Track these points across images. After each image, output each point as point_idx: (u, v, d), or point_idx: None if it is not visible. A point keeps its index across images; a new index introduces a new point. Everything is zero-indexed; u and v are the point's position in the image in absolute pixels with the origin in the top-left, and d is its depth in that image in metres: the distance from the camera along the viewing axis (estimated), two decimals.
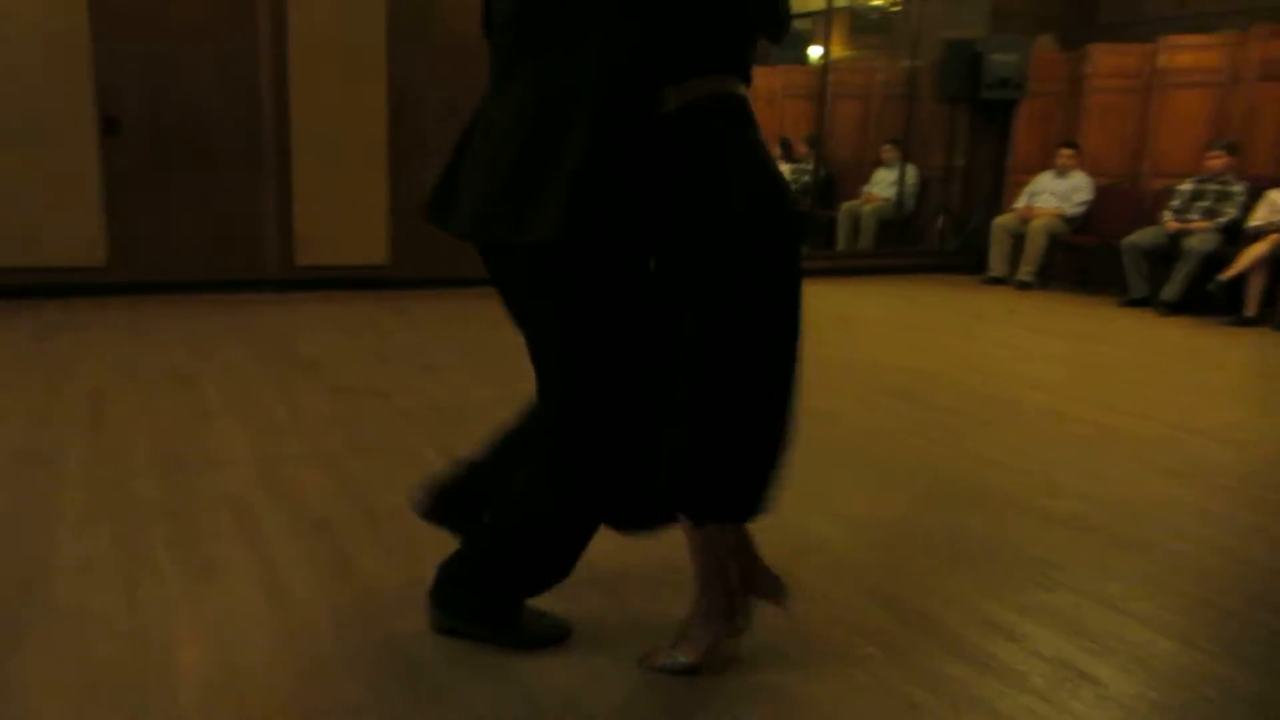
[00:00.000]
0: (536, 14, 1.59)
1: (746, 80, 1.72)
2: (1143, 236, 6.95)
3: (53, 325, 4.47)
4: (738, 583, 1.84)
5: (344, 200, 5.71)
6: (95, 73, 4.99)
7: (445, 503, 2.06)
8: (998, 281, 7.85)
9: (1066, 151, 7.71)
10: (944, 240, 8.68)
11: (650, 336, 1.69)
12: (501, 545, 1.88)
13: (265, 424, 3.19)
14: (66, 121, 4.98)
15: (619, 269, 1.66)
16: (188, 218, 5.35)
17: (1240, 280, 6.32)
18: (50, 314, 4.70)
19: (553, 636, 1.90)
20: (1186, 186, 6.96)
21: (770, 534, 2.50)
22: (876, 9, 9.01)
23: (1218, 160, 6.80)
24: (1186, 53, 7.36)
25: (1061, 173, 7.73)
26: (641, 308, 1.69)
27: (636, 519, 1.89)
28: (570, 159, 1.54)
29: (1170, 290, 6.67)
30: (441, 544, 2.34)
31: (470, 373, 4.07)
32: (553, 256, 1.59)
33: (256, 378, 3.78)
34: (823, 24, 8.17)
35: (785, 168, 9.39)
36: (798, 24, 10.81)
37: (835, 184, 9.19)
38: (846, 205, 8.78)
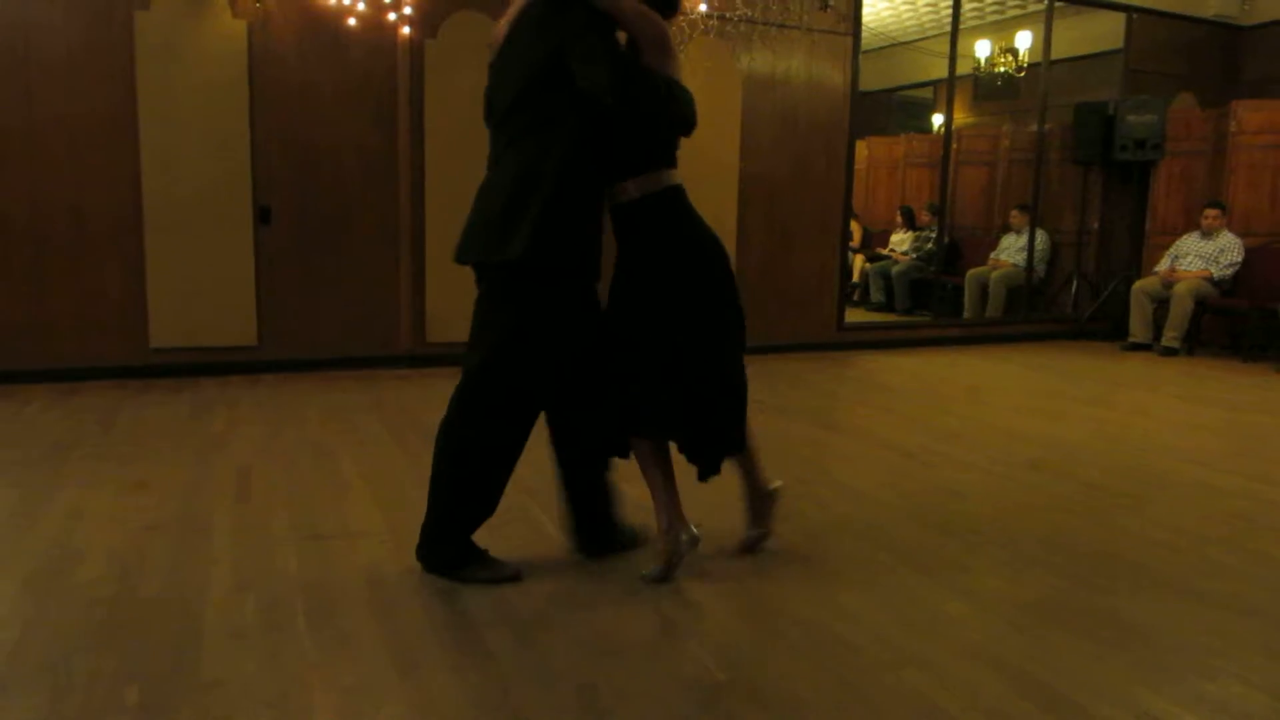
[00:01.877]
0: (520, 116, 2.42)
1: (673, 164, 2.57)
2: None
3: (208, 401, 4.79)
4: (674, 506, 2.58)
5: (472, 281, 5.95)
6: (253, 168, 5.42)
7: (587, 534, 2.73)
8: (1139, 348, 7.46)
9: (1212, 212, 7.33)
10: (1079, 306, 8.34)
11: (579, 336, 2.52)
12: (440, 489, 2.54)
13: (397, 496, 3.30)
14: (226, 212, 5.40)
15: (558, 287, 2.46)
16: (329, 299, 5.68)
17: None
18: (207, 391, 5.05)
19: (511, 574, 2.55)
20: None
21: (901, 611, 2.42)
22: (1001, 75, 8.89)
23: None
24: None
25: (1207, 234, 7.35)
26: (573, 317, 2.51)
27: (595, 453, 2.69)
28: (534, 209, 2.36)
29: None
30: (565, 616, 2.36)
31: None
32: (515, 272, 2.41)
33: (390, 451, 3.93)
34: (944, 92, 8.10)
35: (906, 235, 9.28)
36: (920, 93, 10.80)
37: (960, 250, 9.00)
38: (972, 272, 8.57)
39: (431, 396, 5.07)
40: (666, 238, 2.53)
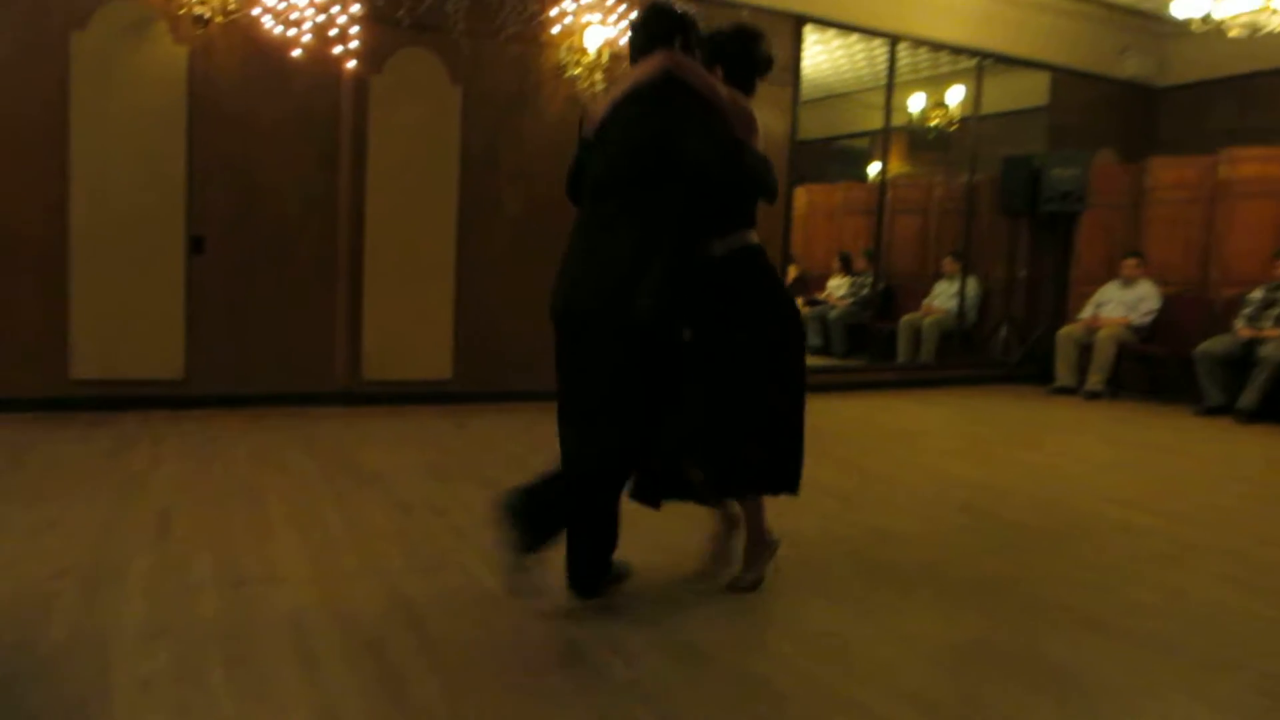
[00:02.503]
0: (631, 184, 2.60)
1: (754, 225, 2.82)
2: (1216, 344, 6.78)
3: (130, 437, 4.62)
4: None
5: (412, 317, 5.89)
6: (188, 197, 5.30)
7: (522, 515, 2.65)
8: (1065, 392, 7.69)
9: (1131, 261, 7.64)
10: (1008, 351, 8.56)
11: (669, 381, 2.70)
12: (580, 532, 2.64)
13: (325, 540, 3.21)
14: (157, 241, 5.25)
15: (661, 339, 2.65)
16: (262, 333, 5.55)
17: None
18: (128, 426, 4.87)
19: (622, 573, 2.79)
20: (1257, 294, 6.83)
21: (834, 656, 2.42)
22: (934, 128, 9.19)
23: None
24: (1249, 164, 7.34)
25: (1127, 282, 7.64)
26: (669, 363, 2.69)
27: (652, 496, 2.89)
28: (657, 268, 2.54)
29: (1247, 398, 6.47)
30: (493, 664, 2.31)
31: None
32: (632, 324, 2.55)
33: (319, 492, 3.83)
34: (880, 143, 8.33)
35: (844, 280, 9.46)
36: (857, 143, 11.08)
37: (895, 296, 9.19)
38: (906, 318, 8.75)
39: (366, 435, 4.97)
40: (742, 291, 2.75)
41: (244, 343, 5.51)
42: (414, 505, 3.68)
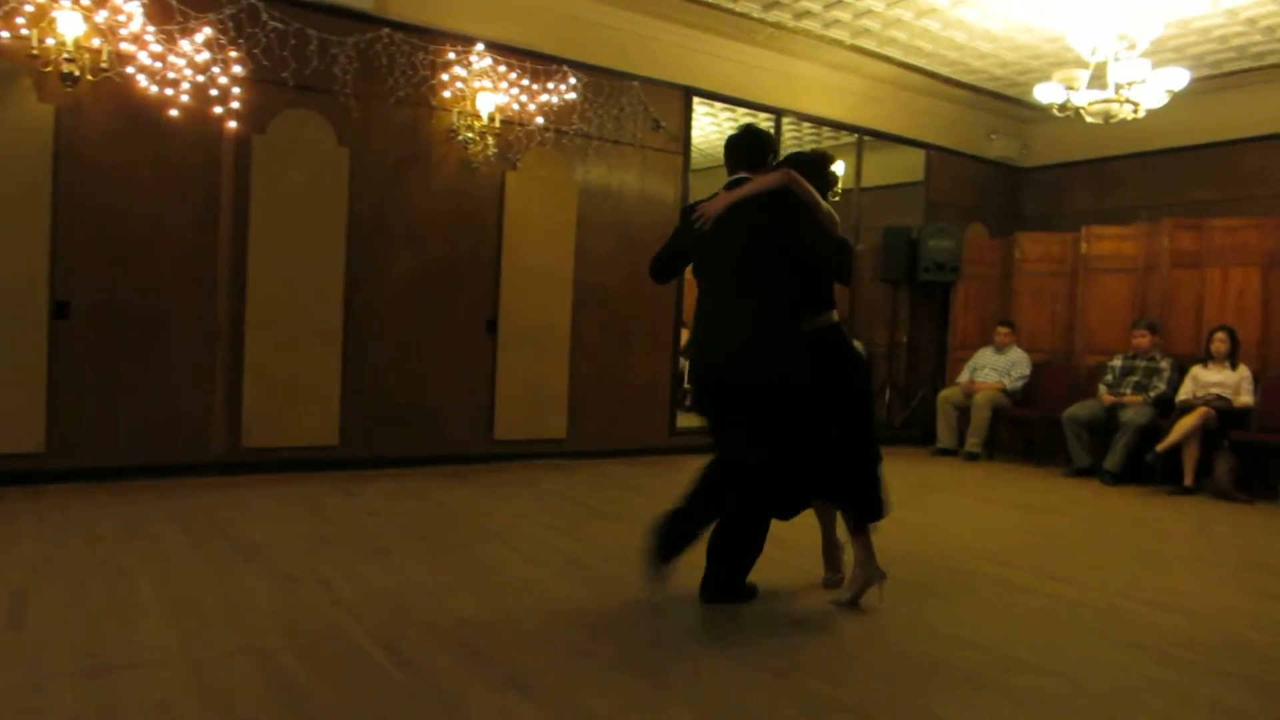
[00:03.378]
0: (749, 270, 3.35)
1: (834, 306, 3.56)
2: (1081, 409, 7.18)
3: None
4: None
5: (296, 382, 5.71)
6: (52, 258, 5.03)
7: (666, 544, 3.38)
8: (946, 453, 7.98)
9: (1003, 329, 8.06)
10: (892, 414, 8.86)
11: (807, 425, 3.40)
12: (733, 547, 3.44)
13: (198, 618, 3.03)
14: (17, 307, 4.96)
15: (795, 395, 3.36)
16: (134, 402, 5.27)
17: (1177, 450, 6.50)
18: None
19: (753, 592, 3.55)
20: (1117, 362, 7.28)
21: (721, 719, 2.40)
22: None
23: (1143, 339, 7.15)
24: (1106, 242, 7.89)
25: (1000, 349, 8.05)
26: (805, 414, 3.39)
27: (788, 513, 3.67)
28: (774, 343, 3.32)
29: (1112, 461, 6.84)
30: None
31: (419, 557, 3.96)
32: (770, 387, 3.31)
33: (193, 567, 3.63)
34: None
35: None
36: None
37: None
38: None
39: (246, 506, 4.75)
40: (822, 361, 3.42)
41: (112, 411, 5.22)
42: (297, 578, 3.52)
